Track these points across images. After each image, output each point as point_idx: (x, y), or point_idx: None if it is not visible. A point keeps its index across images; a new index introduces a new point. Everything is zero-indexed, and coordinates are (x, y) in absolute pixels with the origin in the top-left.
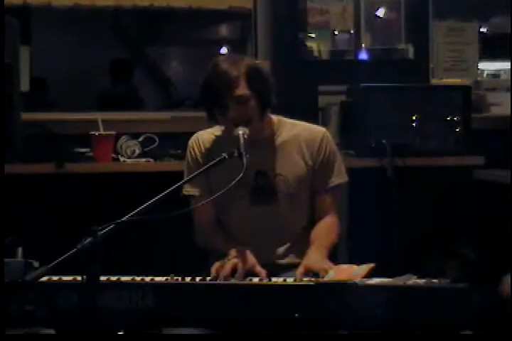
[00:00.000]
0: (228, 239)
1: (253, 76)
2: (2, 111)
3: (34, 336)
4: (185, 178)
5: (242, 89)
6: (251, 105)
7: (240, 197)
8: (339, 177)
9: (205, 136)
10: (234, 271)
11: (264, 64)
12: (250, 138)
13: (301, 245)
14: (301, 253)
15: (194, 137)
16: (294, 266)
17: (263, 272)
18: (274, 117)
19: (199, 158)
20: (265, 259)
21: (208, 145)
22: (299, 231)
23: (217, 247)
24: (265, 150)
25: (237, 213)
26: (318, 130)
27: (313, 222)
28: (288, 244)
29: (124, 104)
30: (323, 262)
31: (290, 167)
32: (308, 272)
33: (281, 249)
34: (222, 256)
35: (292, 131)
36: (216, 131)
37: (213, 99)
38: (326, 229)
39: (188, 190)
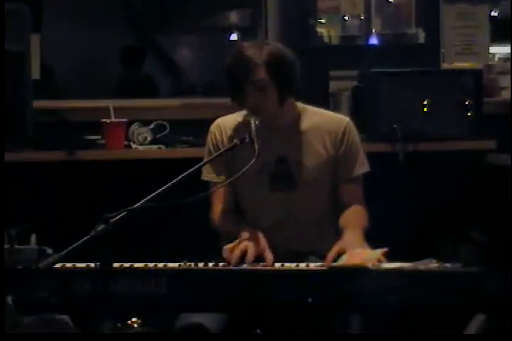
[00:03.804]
0: (244, 223)
1: (275, 63)
2: (2, 103)
3: (35, 335)
4: (200, 164)
5: (261, 75)
6: (270, 92)
7: (260, 182)
8: (362, 167)
9: (228, 121)
10: (244, 254)
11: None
12: (270, 125)
13: (317, 233)
14: (316, 241)
15: (216, 123)
16: (309, 253)
17: (269, 258)
18: (299, 104)
19: (220, 144)
20: (281, 245)
21: (229, 131)
22: (317, 219)
23: (231, 229)
24: (287, 137)
25: (257, 198)
26: (342, 119)
27: (336, 211)
28: (305, 231)
29: (135, 91)
30: (359, 245)
31: (311, 155)
32: (341, 255)
33: (297, 236)
34: (234, 238)
35: (315, 119)
36: (238, 116)
37: (234, 84)
38: (355, 214)
39: (208, 175)
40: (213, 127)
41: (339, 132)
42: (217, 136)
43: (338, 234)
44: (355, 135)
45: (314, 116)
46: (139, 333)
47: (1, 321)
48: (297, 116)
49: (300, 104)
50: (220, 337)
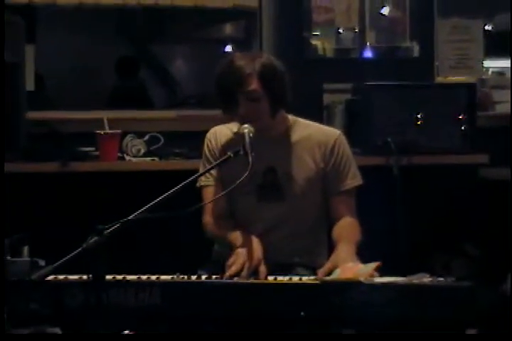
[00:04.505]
0: (237, 228)
1: (267, 74)
2: (2, 111)
3: (35, 336)
4: (197, 174)
5: (254, 86)
6: (262, 103)
7: (248, 192)
8: (354, 180)
9: (223, 131)
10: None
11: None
12: (260, 135)
13: (306, 245)
14: (304, 253)
15: (212, 131)
16: (296, 265)
17: (263, 272)
18: (290, 117)
19: (216, 152)
20: (269, 256)
21: (224, 140)
22: (305, 230)
23: (223, 234)
24: (277, 148)
25: (245, 207)
26: (332, 132)
27: (327, 223)
28: (292, 243)
29: (129, 102)
30: (351, 260)
31: (299, 167)
32: (333, 270)
33: (285, 247)
34: (229, 246)
35: (305, 131)
36: (234, 126)
37: (225, 94)
38: (348, 227)
39: (203, 180)
40: (209, 134)
41: (329, 145)
42: (213, 143)
43: (329, 246)
44: (346, 148)
45: (305, 129)
46: (136, 335)
47: (1, 321)
48: (288, 128)
49: (291, 116)
50: (220, 337)
